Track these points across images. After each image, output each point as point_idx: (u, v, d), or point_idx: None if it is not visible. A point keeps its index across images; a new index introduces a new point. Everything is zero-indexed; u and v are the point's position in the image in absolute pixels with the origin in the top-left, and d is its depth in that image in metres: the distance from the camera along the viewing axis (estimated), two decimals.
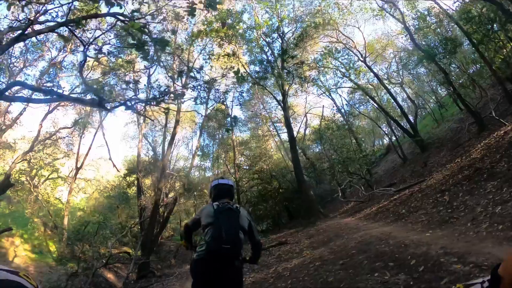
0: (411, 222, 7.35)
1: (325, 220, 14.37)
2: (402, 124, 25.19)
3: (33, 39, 16.12)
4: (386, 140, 41.72)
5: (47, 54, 19.09)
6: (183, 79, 14.84)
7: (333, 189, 26.47)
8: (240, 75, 11.58)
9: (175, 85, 12.29)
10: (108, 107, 6.71)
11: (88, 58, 7.43)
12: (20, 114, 20.84)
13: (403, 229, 6.97)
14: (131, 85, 10.56)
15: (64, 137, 23.97)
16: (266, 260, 8.66)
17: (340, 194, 20.18)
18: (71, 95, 10.43)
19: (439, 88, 30.91)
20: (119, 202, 27.07)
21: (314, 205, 16.17)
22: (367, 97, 28.35)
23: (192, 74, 9.37)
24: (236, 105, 28.37)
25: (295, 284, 5.29)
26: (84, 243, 16.22)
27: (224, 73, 17.58)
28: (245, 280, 7.43)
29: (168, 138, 19.16)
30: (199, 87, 9.34)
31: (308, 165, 27.85)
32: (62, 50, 18.55)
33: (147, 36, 5.97)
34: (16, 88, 15.16)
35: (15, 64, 17.77)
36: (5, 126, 19.97)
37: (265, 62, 16.09)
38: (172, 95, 8.06)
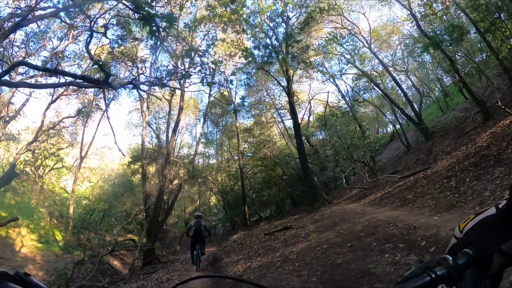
0: (418, 206, 7.33)
1: (329, 206, 14.36)
2: (406, 112, 24.96)
3: (35, 28, 15.99)
4: (389, 128, 41.58)
5: (49, 44, 18.93)
6: (189, 59, 14.64)
7: (337, 176, 26.46)
8: (248, 53, 11.63)
9: (180, 66, 12.14)
10: (115, 86, 6.62)
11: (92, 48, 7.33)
12: (23, 105, 20.89)
13: (410, 213, 6.95)
14: (138, 64, 10.42)
15: (68, 127, 24.02)
16: (272, 245, 8.72)
17: (344, 181, 20.15)
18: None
19: (444, 77, 30.57)
20: (124, 190, 27.30)
21: (318, 191, 16.17)
22: (372, 84, 28.13)
23: (198, 54, 9.25)
24: (242, 86, 28.12)
25: (303, 266, 5.31)
26: (89, 231, 16.38)
27: (232, 53, 17.29)
28: (251, 264, 7.54)
29: (172, 125, 19.15)
30: (206, 66, 9.23)
31: (312, 152, 27.78)
32: (64, 39, 18.36)
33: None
34: (19, 77, 15.18)
35: (17, 54, 17.65)
36: (8, 118, 19.98)
37: (269, 47, 15.84)
38: (179, 74, 7.97)
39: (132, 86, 6.58)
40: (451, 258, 0.54)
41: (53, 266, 14.64)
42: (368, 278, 3.83)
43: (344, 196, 18.58)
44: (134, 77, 7.00)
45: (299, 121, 30.34)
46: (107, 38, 8.63)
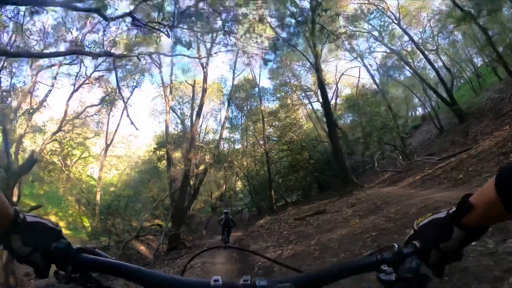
0: (476, 185, 6.34)
1: (362, 190, 13.01)
2: (439, 93, 22.88)
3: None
4: (418, 112, 39.08)
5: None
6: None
7: (365, 161, 25.06)
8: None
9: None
10: (108, 17, 5.55)
11: None
12: (46, 96, 20.49)
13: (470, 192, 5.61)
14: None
15: (92, 115, 23.59)
16: (304, 230, 7.55)
17: (376, 164, 18.67)
18: None
19: (475, 57, 29.11)
20: (150, 176, 26.91)
21: (350, 174, 14.72)
22: (401, 63, 26.07)
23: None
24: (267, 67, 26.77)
25: (352, 258, 4.08)
26: (115, 217, 15.94)
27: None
28: (281, 252, 6.46)
29: (196, 109, 18.22)
30: None
31: (340, 135, 26.26)
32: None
33: None
34: None
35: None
36: (32, 110, 19.71)
37: (296, 16, 14.33)
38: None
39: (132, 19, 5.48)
40: (397, 246, 0.63)
41: None
42: None
43: (376, 180, 17.41)
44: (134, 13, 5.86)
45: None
46: None
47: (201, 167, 19.38)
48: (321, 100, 27.49)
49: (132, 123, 9.68)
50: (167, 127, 18.45)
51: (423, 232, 0.65)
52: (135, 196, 19.63)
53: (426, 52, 24.66)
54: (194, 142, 15.86)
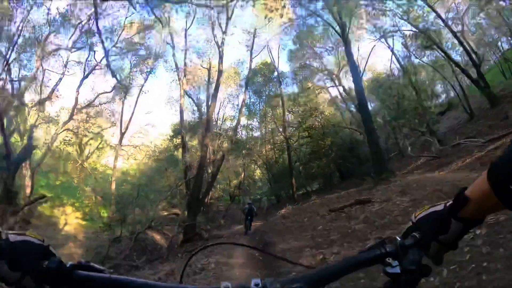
0: None
1: (401, 176, 11.15)
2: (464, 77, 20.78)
3: None
4: (442, 98, 36.24)
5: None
6: None
7: (391, 147, 23.31)
8: None
9: None
10: None
11: None
12: (57, 84, 19.36)
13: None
14: None
15: (105, 103, 22.29)
16: (348, 226, 5.81)
17: (409, 149, 16.81)
18: None
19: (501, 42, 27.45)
20: (167, 165, 25.67)
21: (385, 158, 12.73)
22: (428, 43, 23.53)
23: None
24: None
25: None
26: (128, 207, 14.73)
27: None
28: (323, 256, 4.80)
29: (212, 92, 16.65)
30: None
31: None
32: None
33: None
34: None
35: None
36: (42, 99, 18.69)
37: None
38: None
39: None
40: (399, 239, 0.64)
41: (89, 244, 13.26)
42: None
43: (408, 167, 15.87)
44: None
45: (347, 90, 26.65)
46: None
47: (218, 154, 18.00)
48: (343, 84, 25.55)
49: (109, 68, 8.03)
50: (181, 111, 16.97)
51: (422, 224, 0.65)
52: (147, 185, 18.35)
53: (449, 36, 22.33)
54: (210, 127, 14.33)
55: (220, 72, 16.06)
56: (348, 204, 8.04)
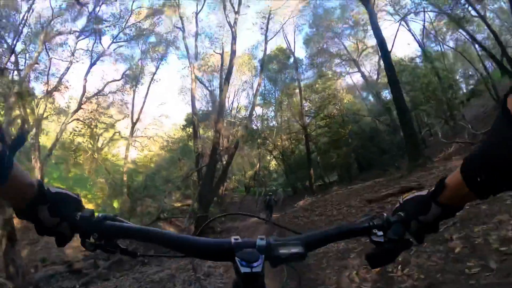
0: None
1: (439, 163, 9.59)
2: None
3: None
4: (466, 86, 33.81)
5: None
6: None
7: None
8: None
9: None
10: None
11: None
12: (64, 74, 18.45)
13: None
14: None
15: (115, 92, 21.25)
16: None
17: (440, 135, 15.20)
18: None
19: None
20: (180, 155, 24.69)
21: (419, 143, 11.06)
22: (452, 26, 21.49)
23: None
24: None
25: None
26: (138, 198, 13.75)
27: None
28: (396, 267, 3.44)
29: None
30: None
31: (383, 110, 22.54)
32: None
33: None
34: None
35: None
36: (50, 89, 17.86)
37: None
38: None
39: None
40: (385, 215, 0.71)
41: None
42: None
43: (439, 155, 14.11)
44: None
45: (365, 76, 24.87)
46: None
47: (232, 142, 16.76)
48: (363, 70, 23.77)
49: None
50: (193, 97, 15.80)
51: (407, 205, 0.71)
52: (158, 175, 17.32)
53: (479, 13, 20.19)
54: (222, 111, 13.06)
55: (233, 53, 14.76)
56: (392, 193, 6.53)
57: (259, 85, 18.97)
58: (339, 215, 7.11)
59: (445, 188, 0.64)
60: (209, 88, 18.41)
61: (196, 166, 14.30)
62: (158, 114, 28.95)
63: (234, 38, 14.97)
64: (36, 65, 17.04)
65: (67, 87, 19.95)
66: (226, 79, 13.99)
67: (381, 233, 0.68)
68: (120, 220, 0.64)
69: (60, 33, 14.79)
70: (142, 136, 27.51)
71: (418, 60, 24.10)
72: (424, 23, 23.24)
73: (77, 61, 18.76)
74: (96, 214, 0.62)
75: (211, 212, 13.60)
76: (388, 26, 24.57)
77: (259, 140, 22.60)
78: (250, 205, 22.11)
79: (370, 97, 29.32)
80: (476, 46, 21.80)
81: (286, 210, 14.48)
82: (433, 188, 0.67)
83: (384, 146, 20.87)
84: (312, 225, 7.29)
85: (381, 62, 26.26)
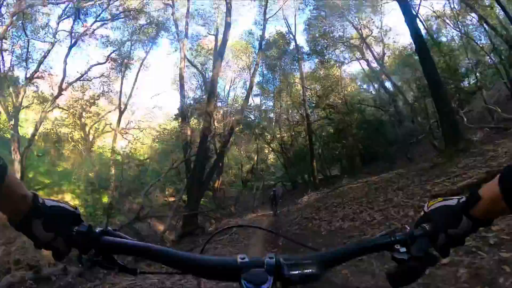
0: None
1: (482, 146, 7.62)
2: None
3: None
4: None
5: None
6: None
7: (414, 130, 19.83)
8: None
9: None
10: None
11: None
12: (44, 57, 16.36)
13: None
14: None
15: (99, 77, 19.08)
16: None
17: (465, 120, 13.49)
18: None
19: None
20: (173, 147, 22.77)
21: (457, 121, 8.93)
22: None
23: None
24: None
25: None
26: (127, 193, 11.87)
27: None
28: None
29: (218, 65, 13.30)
30: None
31: (390, 99, 20.81)
32: None
33: None
34: None
35: None
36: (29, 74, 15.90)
37: None
38: None
39: None
40: (408, 228, 0.65)
41: None
42: None
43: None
44: None
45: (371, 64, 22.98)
46: None
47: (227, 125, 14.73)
48: (367, 58, 21.84)
49: None
50: (181, 77, 13.74)
51: (434, 216, 0.65)
52: (145, 167, 15.44)
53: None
54: (215, 90, 11.02)
55: (227, 26, 12.75)
56: (470, 183, 4.38)
57: (257, 64, 16.90)
58: (381, 217, 5.04)
59: (478, 200, 0.57)
60: (199, 68, 16.34)
61: (184, 155, 12.29)
62: (152, 106, 26.81)
63: (228, 10, 12.98)
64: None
65: (50, 74, 18.07)
66: (219, 54, 11.91)
67: (404, 249, 0.61)
68: (120, 236, 0.60)
69: (31, 6, 12.64)
70: (134, 128, 25.71)
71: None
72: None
73: (60, 43, 16.85)
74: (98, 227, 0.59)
75: (205, 208, 11.83)
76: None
77: (256, 130, 20.69)
78: (248, 200, 20.30)
79: (372, 88, 27.68)
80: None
81: (288, 206, 12.57)
82: (463, 198, 0.61)
83: (390, 138, 19.01)
84: (341, 232, 5.18)
85: (385, 50, 24.62)
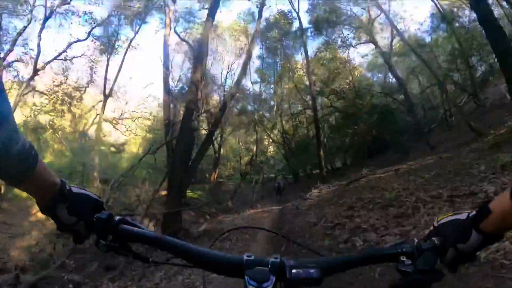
0: None
1: None
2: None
3: None
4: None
5: None
6: None
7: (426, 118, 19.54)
8: None
9: None
10: None
11: None
12: (20, 33, 14.09)
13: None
14: None
15: (79, 56, 16.70)
16: None
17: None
18: None
19: None
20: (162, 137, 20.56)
21: None
22: None
23: None
24: None
25: None
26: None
27: None
28: None
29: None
30: None
31: (398, 86, 18.77)
32: None
33: None
34: None
35: None
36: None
37: None
38: None
39: None
40: (416, 241, 0.63)
41: None
42: None
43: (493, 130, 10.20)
44: None
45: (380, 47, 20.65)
46: None
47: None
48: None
49: None
50: (165, 45, 11.39)
51: (443, 230, 0.63)
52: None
53: None
54: (203, 56, 8.63)
55: None
56: None
57: (257, 31, 14.47)
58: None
59: (489, 214, 0.55)
60: (185, 39, 13.93)
61: (165, 137, 9.91)
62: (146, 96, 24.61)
63: None
64: None
65: (25, 53, 15.76)
66: (210, 14, 9.47)
67: (409, 261, 0.59)
68: (137, 226, 0.62)
69: None
70: (128, 118, 23.52)
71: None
72: None
73: (38, 21, 14.55)
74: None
75: (200, 203, 9.67)
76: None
77: (255, 116, 18.56)
78: (246, 194, 18.16)
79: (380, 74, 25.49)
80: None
81: (293, 201, 10.32)
82: (473, 213, 0.59)
83: (401, 126, 17.17)
84: None
85: (394, 31, 22.13)
